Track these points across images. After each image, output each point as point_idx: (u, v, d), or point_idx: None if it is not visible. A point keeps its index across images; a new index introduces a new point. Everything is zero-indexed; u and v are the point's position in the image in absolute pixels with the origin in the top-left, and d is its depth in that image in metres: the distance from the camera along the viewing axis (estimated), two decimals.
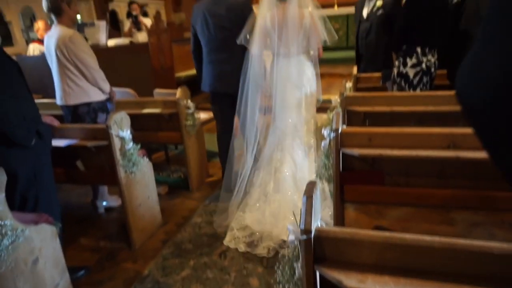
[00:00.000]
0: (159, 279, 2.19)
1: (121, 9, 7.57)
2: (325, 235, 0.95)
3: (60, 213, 2.02)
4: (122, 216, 2.87)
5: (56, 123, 2.43)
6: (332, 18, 8.75)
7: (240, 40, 2.55)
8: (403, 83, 2.90)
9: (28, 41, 5.56)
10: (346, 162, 1.88)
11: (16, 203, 1.79)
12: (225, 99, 2.89)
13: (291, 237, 0.99)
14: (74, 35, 2.63)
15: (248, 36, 2.52)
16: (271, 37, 2.48)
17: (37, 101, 2.48)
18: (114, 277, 2.25)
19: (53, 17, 2.65)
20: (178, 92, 3.10)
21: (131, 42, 5.25)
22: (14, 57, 2.19)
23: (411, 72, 2.85)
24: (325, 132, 1.93)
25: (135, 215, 2.51)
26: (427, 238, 0.90)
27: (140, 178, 2.52)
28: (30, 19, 5.98)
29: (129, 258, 2.43)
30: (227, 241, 2.47)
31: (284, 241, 2.26)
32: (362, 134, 1.78)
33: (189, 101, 3.14)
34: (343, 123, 2.49)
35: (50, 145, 2.04)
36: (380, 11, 3.78)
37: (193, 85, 5.92)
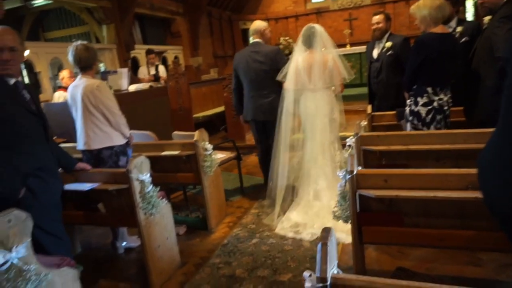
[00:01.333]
0: None
1: (142, 56, 7.98)
2: (342, 283, 0.95)
3: (76, 253, 2.04)
4: (141, 257, 2.89)
5: (87, 167, 2.55)
6: (345, 57, 8.97)
7: (278, 77, 3.33)
8: (415, 121, 2.92)
9: (55, 88, 5.88)
10: (363, 203, 1.88)
11: None
12: (263, 125, 3.72)
13: (307, 285, 0.99)
14: (100, 84, 2.81)
15: (283, 75, 3.29)
16: (301, 76, 3.20)
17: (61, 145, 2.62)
18: None
19: (78, 69, 2.85)
20: (196, 135, 3.19)
21: (150, 86, 5.49)
22: (42, 104, 2.34)
23: (423, 111, 2.87)
24: (340, 173, 1.95)
25: (154, 257, 2.52)
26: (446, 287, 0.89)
27: (159, 219, 2.56)
28: (57, 68, 6.37)
29: None
30: (278, 230, 3.12)
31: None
32: (377, 176, 1.79)
33: (206, 142, 3.22)
34: (359, 162, 2.51)
35: (47, 199, 2.04)
36: (390, 52, 3.90)
37: (210, 125, 6.08)
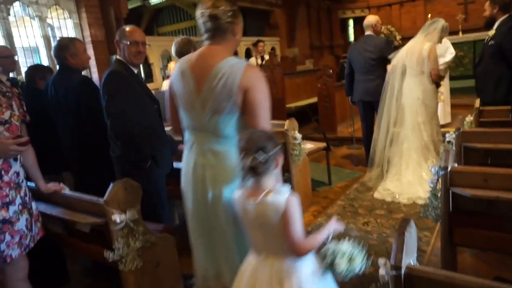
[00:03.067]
0: None
1: (240, 48, 8.35)
2: (416, 274, 0.94)
3: (175, 223, 2.32)
4: None
5: None
6: (456, 45, 8.12)
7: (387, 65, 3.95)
8: None
9: (164, 78, 6.54)
10: (457, 202, 1.76)
11: None
12: (369, 105, 4.21)
13: (382, 271, 1.00)
14: None
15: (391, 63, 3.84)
16: (404, 60, 3.68)
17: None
18: None
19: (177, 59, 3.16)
20: (287, 124, 3.28)
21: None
22: (153, 91, 2.68)
23: None
24: (432, 169, 1.84)
25: None
26: None
27: None
28: (167, 59, 7.06)
29: None
30: (375, 195, 3.61)
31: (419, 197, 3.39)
32: (475, 174, 1.65)
33: (296, 132, 3.29)
34: (459, 160, 2.32)
35: (167, 170, 2.40)
36: (491, 42, 3.48)
37: (302, 116, 6.12)
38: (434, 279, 0.91)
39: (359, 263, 1.26)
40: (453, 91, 7.61)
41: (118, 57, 2.31)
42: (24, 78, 3.44)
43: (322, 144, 4.05)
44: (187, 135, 1.67)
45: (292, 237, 1.29)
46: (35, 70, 3.11)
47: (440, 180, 1.78)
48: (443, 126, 5.03)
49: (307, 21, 10.56)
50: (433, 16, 9.68)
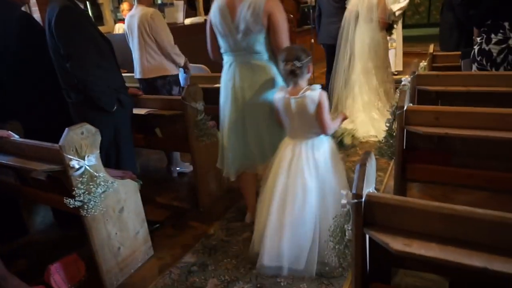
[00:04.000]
0: (223, 237, 2.39)
1: None
2: (376, 200, 1.01)
3: (137, 172, 2.31)
4: (192, 181, 3.15)
5: (138, 92, 2.72)
6: None
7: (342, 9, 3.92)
8: (484, 62, 2.69)
9: (116, 21, 6.08)
10: (410, 141, 1.87)
11: (102, 160, 2.09)
12: (332, 48, 4.19)
13: (343, 201, 1.06)
14: (154, 13, 2.88)
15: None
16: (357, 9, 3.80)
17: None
18: (184, 233, 2.51)
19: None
20: None
21: (205, 20, 5.47)
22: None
23: (494, 50, 2.63)
24: (389, 110, 1.92)
25: (203, 180, 2.74)
26: (479, 210, 0.92)
27: (210, 146, 2.72)
28: (118, 1, 6.52)
29: (197, 217, 2.68)
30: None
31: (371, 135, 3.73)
32: (428, 112, 1.75)
33: None
34: (413, 102, 2.43)
35: (130, 113, 2.33)
36: None
37: None
38: (391, 204, 0.99)
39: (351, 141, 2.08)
40: (408, 39, 7.79)
41: None
42: None
43: None
44: (225, 57, 2.18)
45: (324, 119, 1.84)
46: None
47: (396, 119, 1.87)
48: (395, 74, 5.22)
49: None
50: None
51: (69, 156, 1.69)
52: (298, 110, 1.84)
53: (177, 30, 4.23)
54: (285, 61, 1.81)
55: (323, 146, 1.91)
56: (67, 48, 1.97)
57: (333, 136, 1.99)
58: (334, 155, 1.94)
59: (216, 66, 4.58)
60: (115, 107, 2.15)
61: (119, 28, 5.22)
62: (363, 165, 1.02)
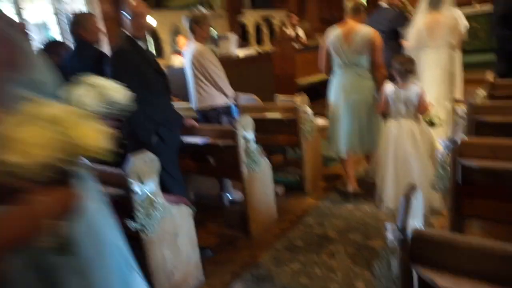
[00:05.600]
0: (271, 268, 2.42)
1: (250, 21, 8.25)
2: (422, 236, 1.00)
3: (190, 199, 2.42)
4: (243, 209, 3.22)
5: (195, 124, 2.90)
6: (471, 18, 7.91)
7: (402, 36, 3.93)
8: None
9: (172, 52, 6.55)
10: (465, 174, 1.80)
11: None
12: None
13: (389, 235, 1.07)
14: (205, 50, 3.12)
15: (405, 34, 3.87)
16: (422, 36, 3.66)
17: (179, 105, 3.00)
18: (233, 260, 2.56)
19: (190, 34, 3.19)
20: (298, 99, 3.31)
21: (258, 52, 5.72)
22: (164, 67, 2.74)
23: None
24: (442, 142, 1.87)
25: (254, 208, 2.81)
26: None
27: (260, 175, 2.80)
28: (176, 34, 7.04)
29: (246, 246, 2.73)
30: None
31: None
32: (483, 146, 1.69)
33: (307, 107, 3.32)
34: (470, 133, 2.35)
35: (174, 148, 2.46)
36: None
37: (313, 92, 6.10)
38: (439, 241, 0.97)
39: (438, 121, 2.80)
40: (467, 66, 7.45)
41: (123, 30, 2.35)
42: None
43: None
44: (337, 70, 3.18)
45: (424, 106, 2.75)
46: (49, 45, 3.15)
47: (449, 152, 1.82)
48: (456, 102, 5.01)
49: None
50: None
51: (132, 181, 1.85)
52: (405, 98, 2.73)
53: (230, 62, 4.48)
54: (404, 64, 2.72)
55: (419, 125, 2.76)
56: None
57: (424, 117, 2.78)
58: (426, 130, 2.79)
59: (266, 95, 4.75)
60: (155, 141, 2.32)
61: (174, 60, 5.60)
62: (407, 198, 1.03)
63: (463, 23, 5.33)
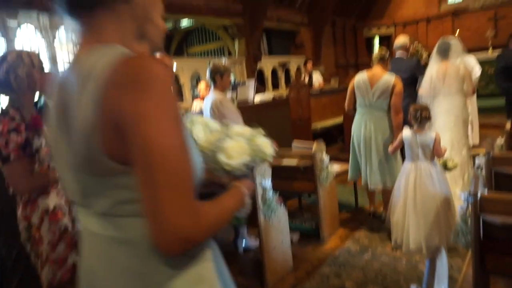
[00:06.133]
0: None
1: (267, 67, 8.54)
2: None
3: None
4: (258, 256, 3.17)
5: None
6: (486, 63, 7.99)
7: (417, 86, 4.09)
8: None
9: (193, 97, 6.78)
10: (487, 229, 1.76)
11: None
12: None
13: None
14: (223, 99, 3.27)
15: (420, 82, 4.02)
16: (435, 84, 3.77)
17: None
18: None
19: (211, 83, 3.35)
20: (314, 146, 3.34)
21: (273, 98, 5.86)
22: (183, 112, 2.86)
23: None
24: (462, 195, 1.85)
25: (269, 257, 2.76)
26: None
27: (276, 223, 2.79)
28: (196, 80, 7.33)
29: None
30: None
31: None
32: (505, 201, 1.66)
33: (324, 154, 3.35)
34: (489, 185, 2.31)
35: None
36: None
37: (328, 136, 6.16)
38: None
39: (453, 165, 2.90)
40: (483, 110, 7.42)
41: None
42: None
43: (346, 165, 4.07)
44: (359, 109, 3.59)
45: (439, 149, 2.81)
46: None
47: (469, 206, 1.79)
48: (472, 147, 4.96)
49: (332, 39, 10.69)
50: (461, 32, 9.66)
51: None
52: (421, 143, 2.83)
53: (247, 108, 4.60)
54: (420, 111, 2.84)
55: (435, 166, 2.84)
56: None
57: (439, 161, 2.88)
58: (441, 172, 2.85)
59: (283, 140, 4.81)
60: None
61: (196, 105, 5.76)
62: (433, 261, 1.01)
63: (475, 70, 5.45)
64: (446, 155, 3.45)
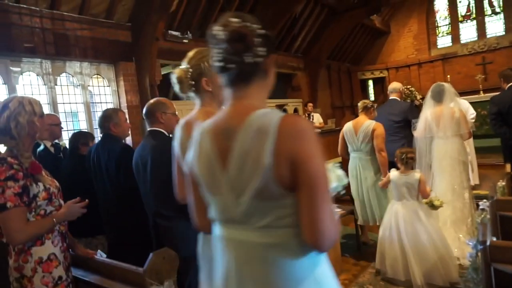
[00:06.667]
0: None
1: None
2: None
3: None
4: None
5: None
6: (479, 104, 8.19)
7: (412, 128, 4.19)
8: None
9: None
10: (499, 277, 1.71)
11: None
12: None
13: None
14: None
15: (415, 126, 4.11)
16: (430, 126, 3.84)
17: None
18: None
19: None
20: None
21: None
22: None
23: None
24: (470, 242, 1.81)
25: None
26: None
27: None
28: None
29: None
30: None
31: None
32: None
33: None
34: (494, 231, 2.27)
35: None
36: None
37: None
38: None
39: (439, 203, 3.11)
40: (479, 150, 7.50)
41: (158, 129, 2.39)
42: (66, 143, 3.68)
43: (349, 207, 4.03)
44: (351, 154, 4.03)
45: (424, 189, 3.08)
46: (79, 136, 3.31)
47: (479, 254, 1.75)
48: (472, 188, 4.96)
49: (328, 82, 10.97)
50: (452, 75, 9.96)
51: (150, 281, 1.80)
52: (405, 182, 3.09)
53: None
54: (405, 153, 3.14)
55: (422, 206, 3.05)
56: (162, 175, 2.22)
57: (425, 201, 3.06)
58: (428, 210, 3.08)
59: None
60: None
61: None
62: None
63: (470, 112, 5.58)
64: (448, 198, 3.47)
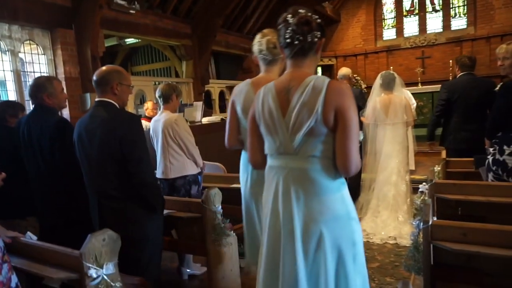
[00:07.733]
0: None
1: (215, 90, 8.50)
2: None
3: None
4: (203, 284, 3.00)
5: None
6: (416, 95, 8.70)
7: (360, 114, 4.05)
8: (500, 171, 2.72)
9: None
10: (438, 256, 1.80)
11: (130, 263, 2.02)
12: None
13: None
14: (178, 118, 3.09)
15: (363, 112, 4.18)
16: (379, 113, 4.00)
17: None
18: None
19: (161, 102, 3.17)
20: None
21: (222, 119, 5.79)
22: None
23: (509, 160, 2.69)
24: (414, 222, 1.89)
25: (218, 286, 2.60)
26: None
27: (226, 250, 2.64)
28: (140, 99, 7.04)
29: None
30: None
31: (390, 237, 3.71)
32: (455, 228, 1.72)
33: None
34: (432, 211, 2.41)
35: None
36: None
37: None
38: None
39: None
40: (415, 139, 8.04)
41: (110, 100, 2.17)
42: None
43: None
44: None
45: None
46: (7, 107, 2.94)
47: (421, 233, 1.83)
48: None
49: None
50: (395, 68, 10.47)
51: (88, 264, 1.65)
52: None
53: (195, 128, 4.46)
54: None
55: None
56: (139, 152, 2.09)
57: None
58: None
59: (232, 163, 4.72)
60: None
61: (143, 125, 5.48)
62: None
63: (412, 102, 5.92)
64: (393, 180, 3.66)
